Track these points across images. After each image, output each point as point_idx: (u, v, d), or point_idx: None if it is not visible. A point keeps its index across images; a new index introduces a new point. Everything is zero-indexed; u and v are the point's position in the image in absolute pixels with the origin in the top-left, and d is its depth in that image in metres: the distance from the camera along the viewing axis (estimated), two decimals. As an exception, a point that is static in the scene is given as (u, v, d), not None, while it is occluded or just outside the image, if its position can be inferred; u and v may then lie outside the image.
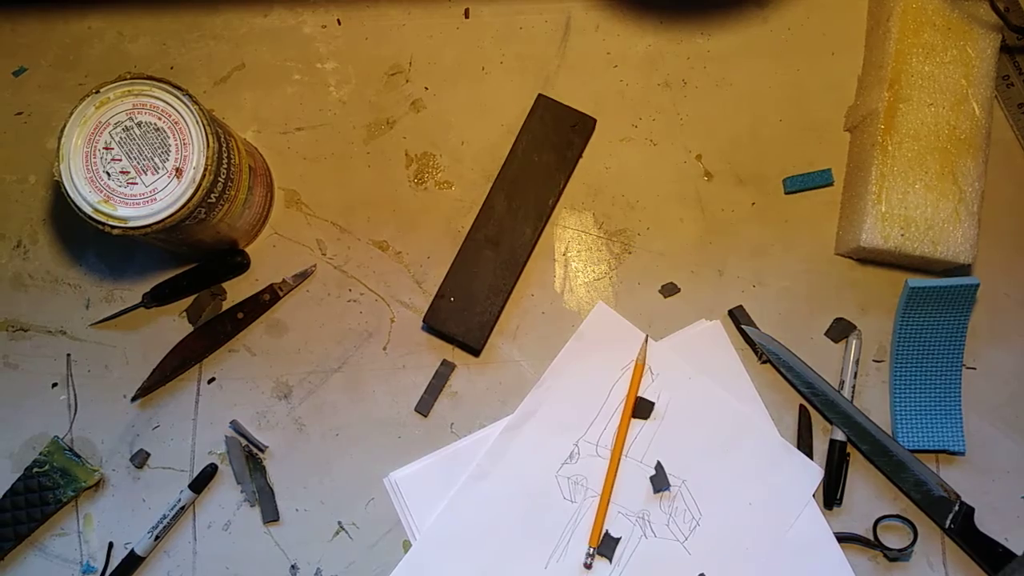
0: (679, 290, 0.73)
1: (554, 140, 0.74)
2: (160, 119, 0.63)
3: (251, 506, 0.70)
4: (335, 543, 0.70)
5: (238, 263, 0.73)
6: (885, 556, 0.69)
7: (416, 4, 0.78)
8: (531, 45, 0.77)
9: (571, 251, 0.74)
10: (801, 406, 0.71)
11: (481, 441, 0.71)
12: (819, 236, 0.74)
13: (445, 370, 0.72)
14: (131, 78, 0.63)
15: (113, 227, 0.61)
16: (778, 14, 0.78)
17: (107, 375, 0.72)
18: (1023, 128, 0.75)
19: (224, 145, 0.64)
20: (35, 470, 0.70)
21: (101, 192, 0.62)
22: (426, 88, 0.77)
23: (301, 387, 0.72)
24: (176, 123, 0.63)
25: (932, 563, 0.69)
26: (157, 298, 0.72)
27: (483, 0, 0.78)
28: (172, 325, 0.73)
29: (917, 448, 0.70)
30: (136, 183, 0.62)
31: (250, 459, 0.71)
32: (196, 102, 0.63)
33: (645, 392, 0.71)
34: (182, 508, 0.70)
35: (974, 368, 0.72)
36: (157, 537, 0.69)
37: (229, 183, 0.65)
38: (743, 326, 0.72)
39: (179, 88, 0.63)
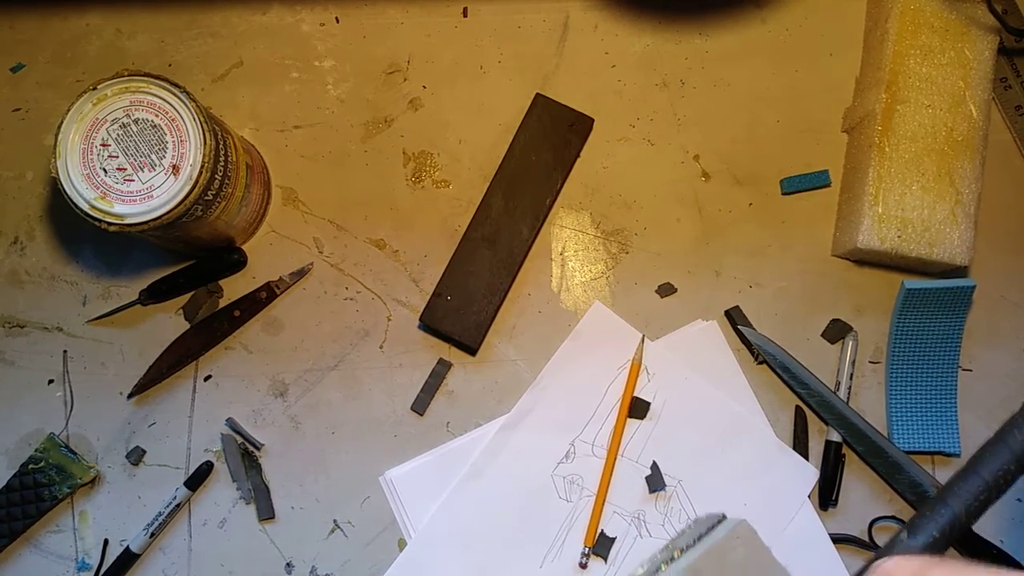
0: (676, 290, 0.73)
1: (552, 139, 0.74)
2: (157, 116, 0.63)
3: (246, 504, 0.70)
4: (330, 541, 0.70)
5: (235, 261, 0.73)
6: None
7: (414, 3, 0.78)
8: (529, 44, 0.77)
9: (568, 251, 0.74)
10: (797, 407, 0.71)
11: (477, 440, 0.71)
12: (816, 237, 0.74)
13: (441, 369, 0.72)
14: (129, 75, 0.63)
15: (110, 224, 0.61)
16: (776, 15, 0.78)
17: (103, 372, 0.72)
18: (1020, 130, 0.75)
19: (221, 143, 0.64)
20: (31, 467, 0.70)
21: (98, 189, 0.62)
22: (424, 87, 0.77)
23: (297, 385, 0.72)
24: (173, 120, 0.63)
25: (927, 564, 0.69)
26: (154, 295, 0.72)
27: (482, -1, 0.78)
28: (168, 322, 0.73)
29: (912, 449, 0.70)
30: (133, 180, 0.62)
31: (246, 457, 0.71)
32: (193, 99, 0.63)
33: (641, 392, 0.71)
34: (178, 505, 0.70)
35: (970, 370, 0.72)
36: (152, 534, 0.69)
37: (226, 180, 0.65)
38: (739, 326, 0.72)
39: (176, 85, 0.63)
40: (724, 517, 0.39)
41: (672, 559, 0.37)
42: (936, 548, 0.37)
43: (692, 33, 0.77)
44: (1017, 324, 0.73)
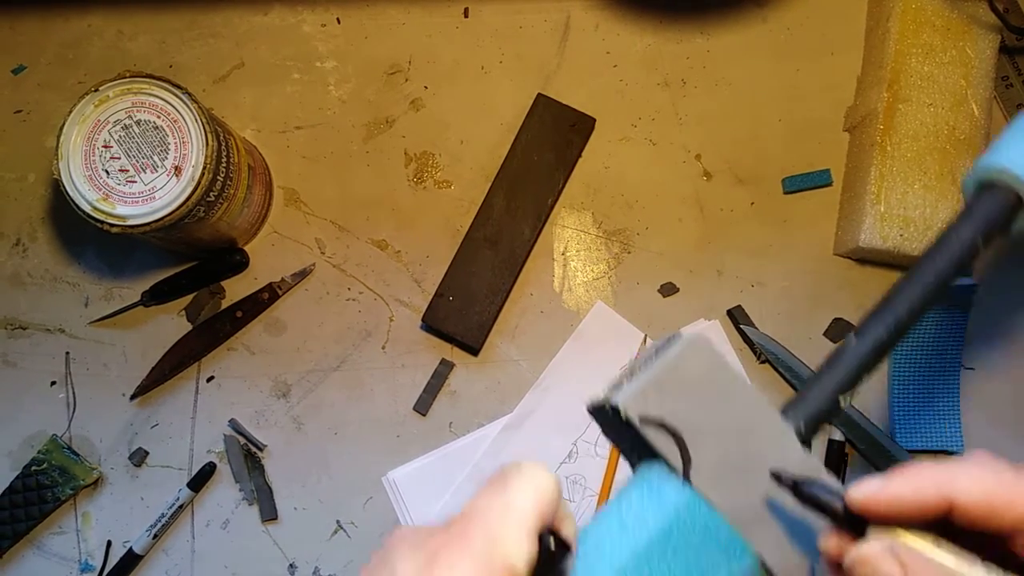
0: (678, 290, 0.73)
1: (553, 139, 0.74)
2: (159, 117, 0.63)
3: (249, 505, 0.70)
4: (333, 542, 0.70)
5: (237, 262, 0.73)
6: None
7: (416, 3, 0.78)
8: (530, 44, 0.77)
9: (570, 250, 0.74)
10: (799, 406, 0.71)
11: (479, 440, 0.71)
12: (818, 236, 0.74)
13: (444, 369, 0.72)
14: (130, 76, 0.63)
15: (112, 225, 0.61)
16: (777, 14, 0.78)
17: (106, 373, 0.72)
18: (1022, 129, 0.75)
19: (223, 144, 0.64)
20: (34, 468, 0.70)
21: (100, 190, 0.62)
22: (425, 87, 0.77)
23: (300, 386, 0.72)
24: (175, 121, 0.63)
25: (930, 563, 0.69)
26: (156, 296, 0.72)
27: (483, -1, 0.78)
28: (171, 324, 0.73)
29: (916, 448, 0.70)
30: (135, 181, 0.62)
31: (248, 458, 0.71)
32: (195, 100, 0.63)
33: (644, 392, 0.71)
34: (180, 507, 0.70)
35: (972, 368, 0.72)
36: (155, 535, 0.69)
37: (228, 182, 0.65)
38: (742, 326, 0.72)
39: (178, 86, 0.63)
40: (679, 335, 0.39)
41: (633, 377, 0.38)
42: (883, 348, 0.40)
43: (693, 32, 0.77)
44: (1020, 322, 0.73)
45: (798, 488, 0.34)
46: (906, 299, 0.41)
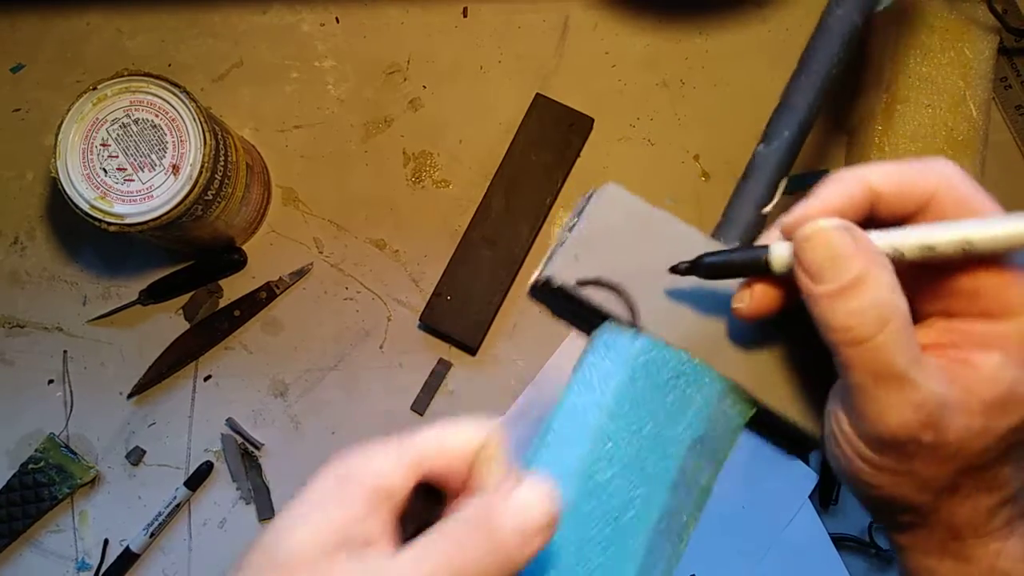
0: (676, 290, 0.73)
1: (552, 139, 0.74)
2: (157, 116, 0.63)
3: (247, 504, 0.70)
4: (330, 541, 0.70)
5: (235, 261, 0.73)
6: (880, 556, 0.69)
7: (415, 3, 0.78)
8: (529, 44, 0.77)
9: (568, 250, 0.74)
10: (797, 407, 0.71)
11: (477, 440, 0.71)
12: (816, 237, 0.74)
13: (441, 369, 0.72)
14: (129, 75, 0.63)
15: (110, 224, 0.61)
16: (777, 15, 0.78)
17: (103, 372, 0.72)
18: (1020, 130, 0.75)
19: (221, 142, 0.64)
20: (31, 467, 0.70)
21: (98, 189, 0.62)
22: (424, 87, 0.77)
23: (297, 385, 0.72)
24: (173, 120, 0.63)
25: (927, 564, 0.69)
26: (153, 295, 0.72)
27: (482, -1, 0.78)
28: (168, 322, 0.73)
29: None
30: (133, 180, 0.62)
31: (246, 457, 0.71)
32: (193, 99, 0.63)
33: (641, 392, 0.71)
34: (177, 505, 0.70)
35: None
36: (152, 534, 0.69)
37: (226, 180, 0.65)
38: (740, 326, 0.72)
39: (176, 85, 0.63)
40: (591, 192, 0.38)
41: (563, 241, 0.38)
42: (791, 149, 0.40)
43: (692, 32, 0.77)
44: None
45: (702, 263, 0.33)
46: (803, 93, 0.40)
